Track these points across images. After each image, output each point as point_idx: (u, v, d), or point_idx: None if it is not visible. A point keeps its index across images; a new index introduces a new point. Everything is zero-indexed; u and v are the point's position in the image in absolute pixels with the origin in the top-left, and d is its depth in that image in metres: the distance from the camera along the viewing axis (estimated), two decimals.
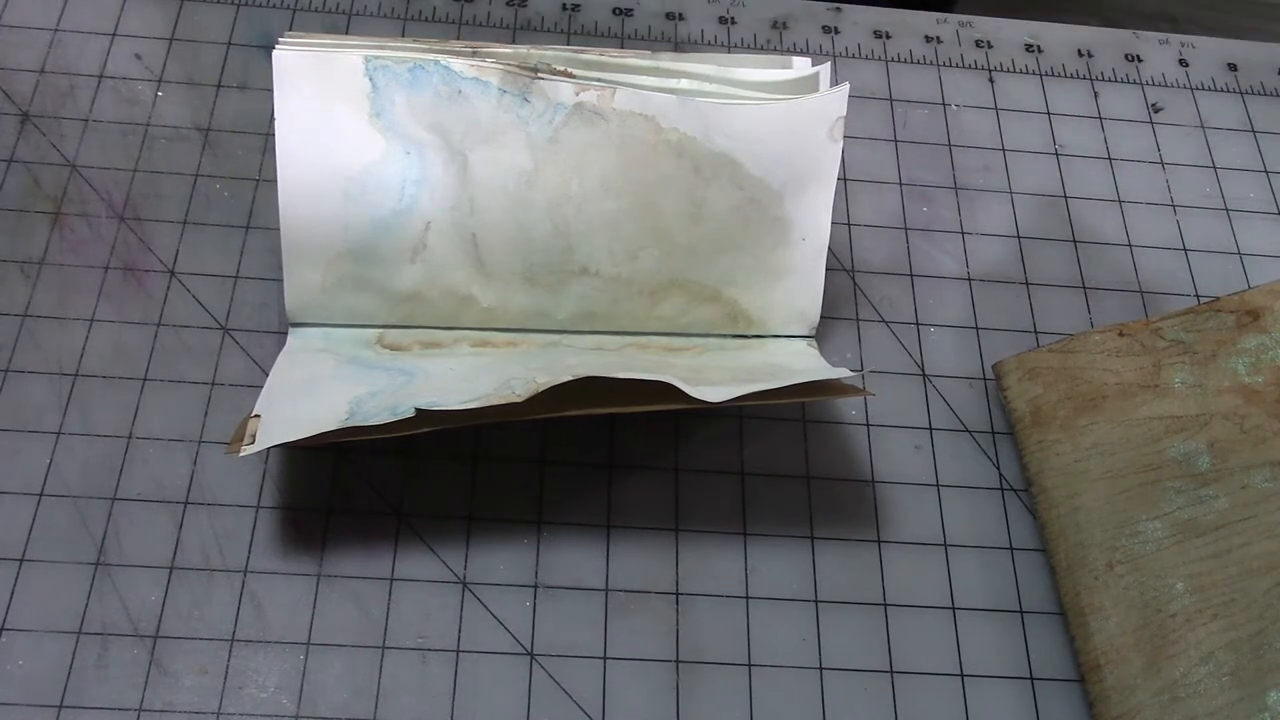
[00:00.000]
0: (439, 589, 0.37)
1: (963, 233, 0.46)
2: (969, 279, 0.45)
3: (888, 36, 0.52)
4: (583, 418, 0.39)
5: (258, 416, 0.35)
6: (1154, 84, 0.52)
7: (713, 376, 0.38)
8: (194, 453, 0.38)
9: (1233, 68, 0.53)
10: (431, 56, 0.37)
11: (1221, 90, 0.52)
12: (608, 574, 0.38)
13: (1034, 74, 0.52)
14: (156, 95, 0.46)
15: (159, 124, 0.45)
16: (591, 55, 0.39)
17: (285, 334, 0.40)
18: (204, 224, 0.43)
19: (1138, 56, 0.53)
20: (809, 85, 0.39)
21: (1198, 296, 0.46)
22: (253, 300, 0.41)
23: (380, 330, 0.40)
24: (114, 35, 0.47)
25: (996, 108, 0.50)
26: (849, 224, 0.46)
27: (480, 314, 0.40)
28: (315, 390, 0.37)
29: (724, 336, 0.42)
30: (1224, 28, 1.21)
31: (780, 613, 0.38)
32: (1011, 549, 0.40)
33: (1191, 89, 0.52)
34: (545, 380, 0.34)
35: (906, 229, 0.46)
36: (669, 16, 0.51)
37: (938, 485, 0.41)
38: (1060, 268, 0.46)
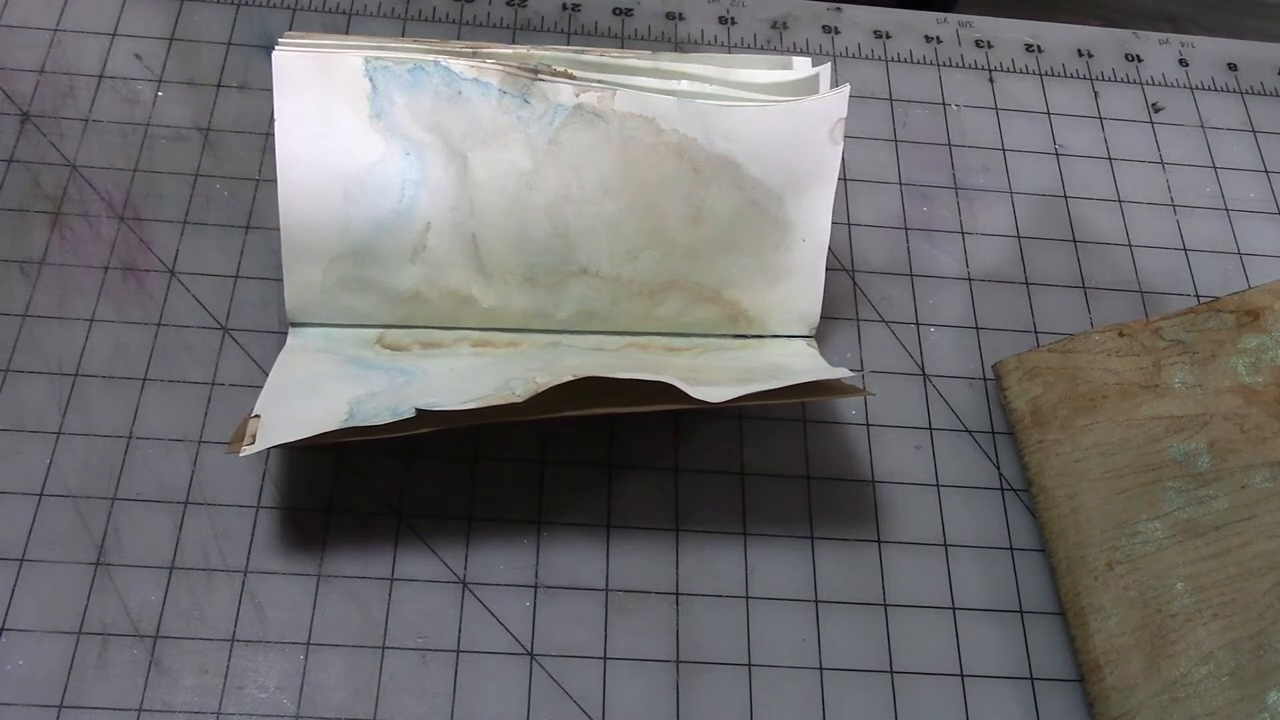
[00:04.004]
0: (439, 589, 0.37)
1: (963, 233, 0.46)
2: (969, 279, 0.45)
3: (888, 36, 0.52)
4: (583, 418, 0.39)
5: (258, 416, 0.35)
6: (1154, 84, 0.52)
7: (713, 377, 0.38)
8: (194, 453, 0.38)
9: (1233, 68, 0.53)
10: (431, 57, 0.37)
11: (1221, 90, 0.52)
12: (608, 574, 0.38)
13: (1034, 74, 0.52)
14: (156, 95, 0.46)
15: (159, 124, 0.45)
16: (592, 56, 0.39)
17: (285, 334, 0.40)
18: (204, 224, 0.43)
19: (1138, 56, 0.53)
20: (809, 86, 0.39)
21: (1198, 296, 0.46)
22: (253, 300, 0.41)
23: (380, 330, 0.40)
24: (114, 35, 0.47)
25: (996, 108, 0.50)
26: (849, 224, 0.46)
27: (480, 314, 0.40)
28: (315, 390, 0.37)
29: (724, 337, 0.42)
30: (1224, 28, 1.21)
31: (780, 613, 0.38)
32: (1011, 549, 0.40)
33: (1191, 89, 0.52)
34: (545, 380, 0.34)
35: (906, 229, 0.46)
36: (669, 16, 0.51)
37: (938, 485, 0.41)
38: (1060, 268, 0.46)
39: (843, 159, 0.40)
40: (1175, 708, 0.35)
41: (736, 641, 0.37)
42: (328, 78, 0.37)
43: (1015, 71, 0.52)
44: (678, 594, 0.38)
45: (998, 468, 0.41)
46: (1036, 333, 0.44)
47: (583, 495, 0.39)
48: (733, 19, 0.51)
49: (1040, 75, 0.52)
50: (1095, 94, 0.51)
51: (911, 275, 0.45)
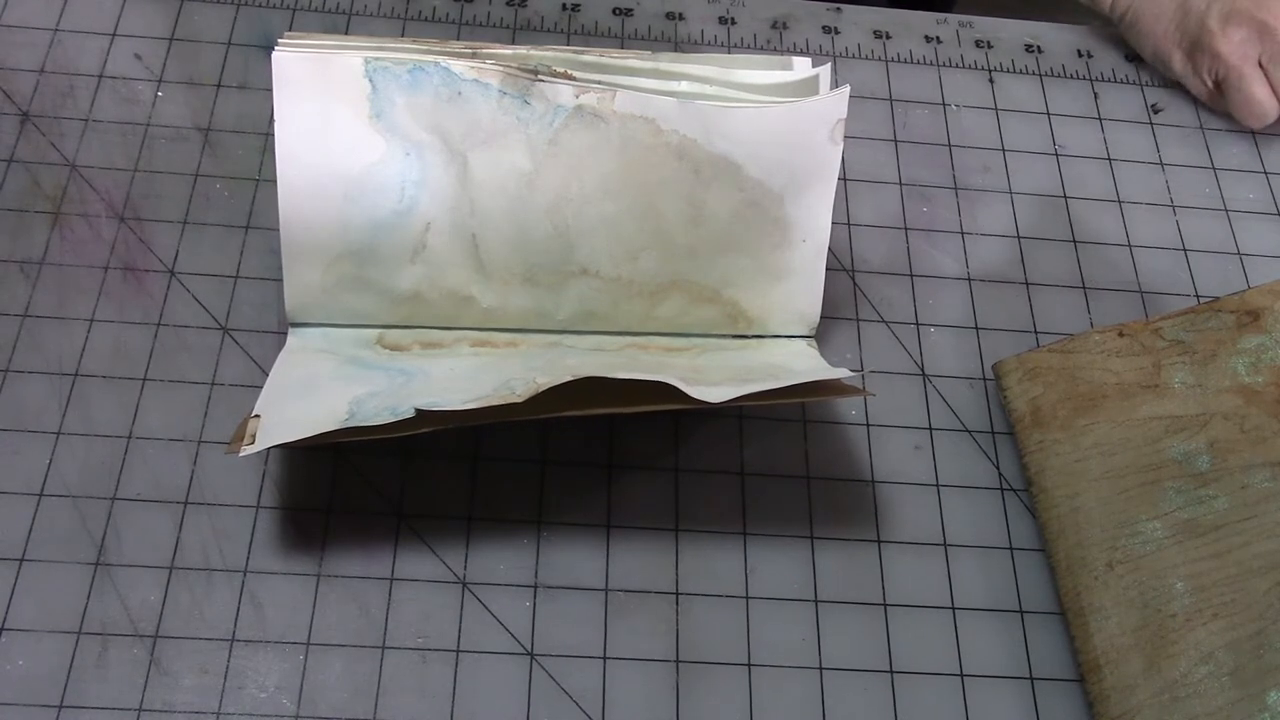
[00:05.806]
0: (439, 589, 0.37)
1: (963, 233, 0.46)
2: (969, 279, 0.45)
3: (888, 36, 0.52)
4: (583, 418, 0.39)
5: (258, 416, 0.35)
6: (1154, 84, 0.52)
7: (713, 377, 0.38)
8: (194, 453, 0.38)
9: None
10: (431, 58, 0.37)
11: None
12: (608, 574, 0.38)
13: (1034, 74, 0.52)
14: (156, 95, 0.46)
15: (159, 124, 0.45)
16: (591, 56, 0.39)
17: (285, 334, 0.40)
18: (204, 224, 0.43)
19: (1138, 57, 0.53)
20: (809, 87, 0.39)
21: (1198, 296, 0.46)
22: (253, 300, 0.41)
23: (380, 330, 0.40)
24: (114, 35, 0.47)
25: (996, 108, 0.50)
26: (849, 224, 0.46)
27: (480, 314, 0.40)
28: (315, 390, 0.37)
29: (724, 337, 0.42)
30: None
31: (780, 613, 0.38)
32: (1011, 549, 0.40)
33: None
34: (545, 380, 0.34)
35: (906, 229, 0.46)
36: (669, 16, 0.51)
37: (938, 485, 0.41)
38: (1060, 268, 0.46)
39: (843, 159, 0.40)
40: (1175, 708, 0.35)
41: (736, 641, 0.37)
42: (327, 78, 0.37)
43: (1015, 72, 0.52)
44: (677, 594, 0.38)
45: (998, 468, 0.41)
46: (1036, 333, 0.44)
47: (583, 495, 0.39)
48: (733, 19, 0.51)
49: (1040, 76, 0.52)
50: (1095, 95, 0.51)
51: (911, 275, 0.45)
